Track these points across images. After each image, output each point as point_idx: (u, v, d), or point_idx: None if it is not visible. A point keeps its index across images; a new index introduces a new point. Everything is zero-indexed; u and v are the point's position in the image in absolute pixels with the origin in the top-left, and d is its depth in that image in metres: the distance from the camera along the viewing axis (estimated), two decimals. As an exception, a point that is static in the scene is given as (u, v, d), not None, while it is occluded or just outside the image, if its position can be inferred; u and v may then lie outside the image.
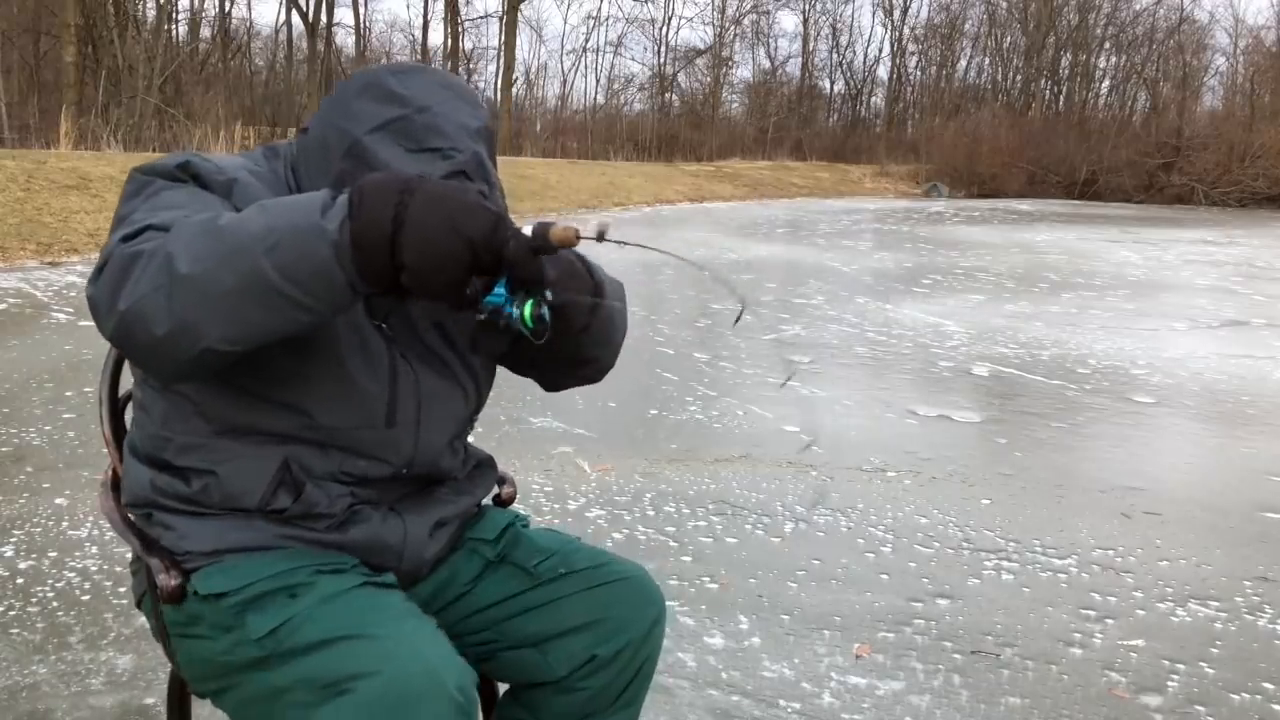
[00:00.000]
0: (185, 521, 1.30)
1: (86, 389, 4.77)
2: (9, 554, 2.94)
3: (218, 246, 1.03)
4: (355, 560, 1.32)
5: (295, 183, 1.31)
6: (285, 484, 1.27)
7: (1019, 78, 43.33)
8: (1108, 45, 41.35)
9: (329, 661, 1.14)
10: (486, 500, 1.62)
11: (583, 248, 1.15)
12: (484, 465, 1.52)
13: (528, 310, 1.08)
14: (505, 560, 1.44)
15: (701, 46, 43.46)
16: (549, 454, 4.11)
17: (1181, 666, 2.54)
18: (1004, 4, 43.40)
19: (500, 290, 1.09)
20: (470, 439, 1.52)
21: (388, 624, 1.17)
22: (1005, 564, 3.16)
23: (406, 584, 1.40)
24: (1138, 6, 40.53)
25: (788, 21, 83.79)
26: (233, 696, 1.26)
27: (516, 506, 1.62)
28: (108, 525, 2.45)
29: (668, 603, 1.49)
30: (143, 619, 1.45)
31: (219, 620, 1.24)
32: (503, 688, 1.53)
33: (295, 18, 30.19)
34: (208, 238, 1.04)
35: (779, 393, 5.38)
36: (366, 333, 1.29)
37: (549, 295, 1.09)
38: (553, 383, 1.49)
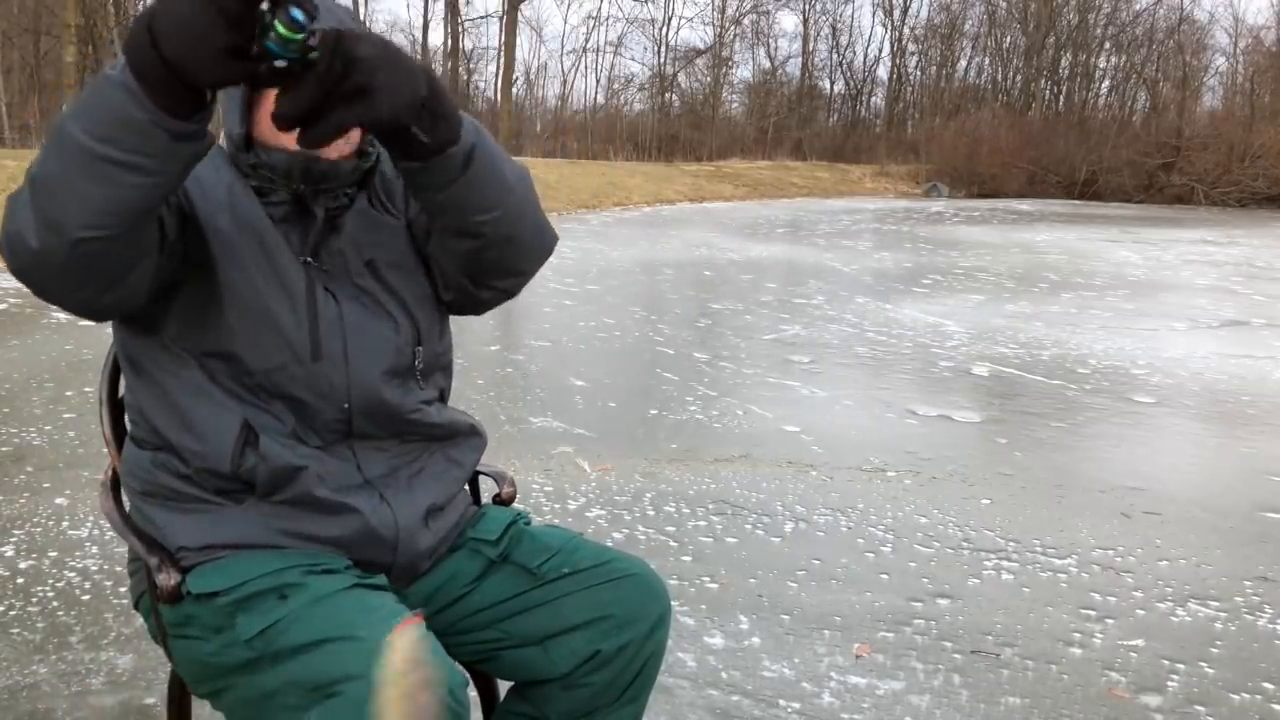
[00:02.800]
0: (177, 518, 1.32)
1: (86, 389, 4.77)
2: (9, 554, 2.94)
3: (50, 143, 1.05)
4: (348, 561, 1.32)
5: (240, 131, 1.33)
6: (250, 444, 1.29)
7: (1019, 78, 43.36)
8: (1108, 45, 41.40)
9: (317, 664, 1.15)
10: (486, 500, 1.62)
11: None
12: (466, 432, 1.49)
13: (279, 26, 0.93)
14: (508, 560, 1.44)
15: (701, 46, 43.54)
16: (549, 454, 4.11)
17: (1181, 666, 2.54)
18: (1004, 4, 43.44)
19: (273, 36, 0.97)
20: (467, 411, 1.52)
21: (376, 626, 1.16)
22: (1005, 564, 3.16)
23: (405, 580, 1.40)
24: (1138, 6, 40.61)
25: (788, 21, 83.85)
26: (228, 698, 1.27)
27: (516, 506, 1.61)
28: (108, 525, 2.46)
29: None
30: (143, 620, 1.45)
31: (211, 621, 1.25)
32: (504, 686, 1.53)
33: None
34: (47, 141, 1.06)
35: (779, 392, 5.38)
36: (284, 269, 1.31)
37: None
38: (470, 294, 1.42)
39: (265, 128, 1.31)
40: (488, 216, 1.27)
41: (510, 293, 1.44)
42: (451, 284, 1.42)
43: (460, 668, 1.20)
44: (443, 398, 1.49)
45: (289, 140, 1.29)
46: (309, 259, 1.34)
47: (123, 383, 1.45)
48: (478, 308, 1.47)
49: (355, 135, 1.34)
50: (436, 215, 1.28)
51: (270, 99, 1.26)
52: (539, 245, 1.39)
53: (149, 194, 1.05)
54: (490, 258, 1.34)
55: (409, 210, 1.44)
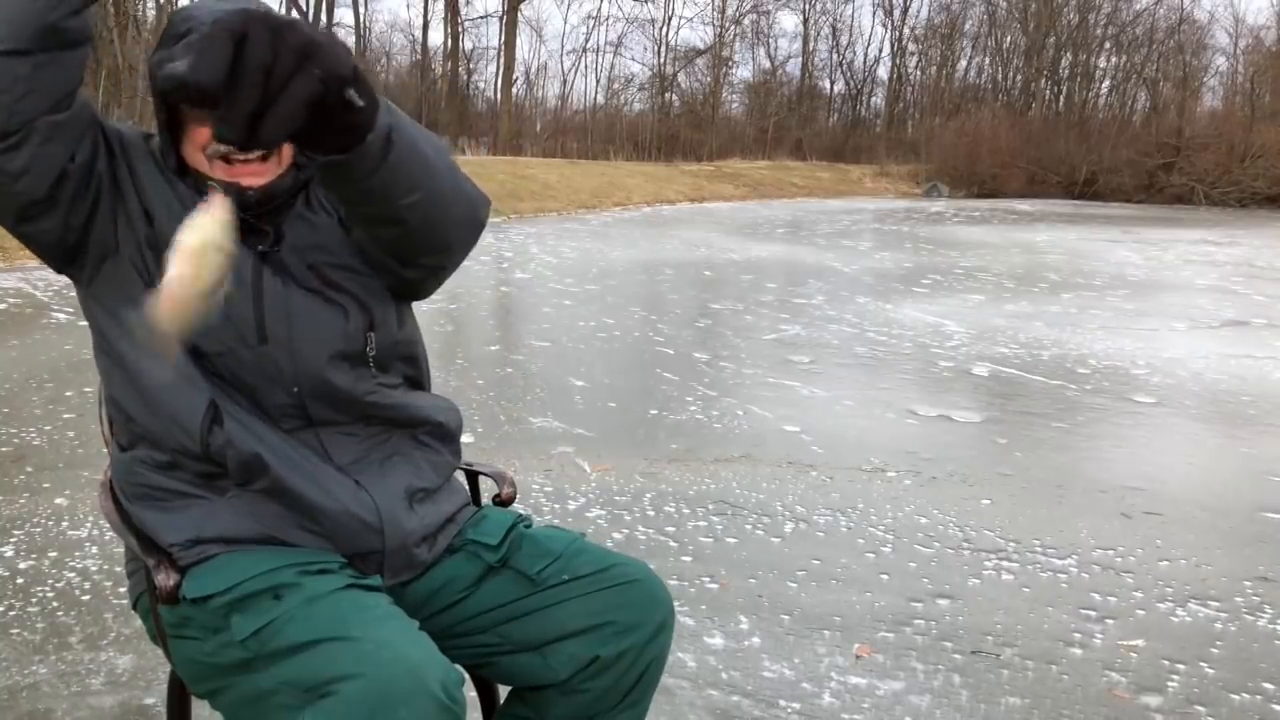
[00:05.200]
0: (163, 516, 1.33)
1: (86, 389, 4.77)
2: (9, 554, 2.94)
3: None
4: (343, 559, 1.32)
5: (171, 164, 1.34)
6: (217, 421, 1.30)
7: (1019, 78, 43.35)
8: (1108, 45, 41.37)
9: (312, 663, 1.15)
10: (486, 500, 1.61)
11: None
12: (436, 414, 1.46)
13: None
14: (507, 565, 1.43)
15: (701, 46, 43.50)
16: (549, 454, 4.11)
17: (1182, 667, 2.54)
18: (1004, 4, 43.42)
19: None
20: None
21: (370, 626, 1.17)
22: (1005, 564, 3.16)
23: (402, 571, 1.39)
24: (1138, 6, 40.57)
25: (788, 21, 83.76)
26: (225, 698, 1.28)
27: (517, 506, 1.61)
28: (107, 525, 2.46)
29: (668, 603, 1.47)
30: (141, 619, 1.45)
31: (207, 622, 1.26)
32: (503, 690, 1.53)
33: (294, 18, 30.17)
34: None
35: (779, 392, 5.38)
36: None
37: None
38: (398, 275, 1.37)
39: (194, 159, 1.32)
40: (411, 199, 1.20)
41: (440, 270, 1.37)
42: (379, 266, 1.37)
43: (460, 668, 1.19)
44: (412, 384, 1.47)
45: (220, 173, 1.31)
46: (261, 248, 1.34)
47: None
48: (414, 290, 1.41)
49: (288, 153, 1.34)
50: (357, 207, 1.24)
51: (197, 135, 1.30)
52: (467, 218, 1.32)
53: (47, 8, 1.12)
54: (415, 240, 1.29)
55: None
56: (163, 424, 1.31)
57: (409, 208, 1.21)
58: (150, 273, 1.30)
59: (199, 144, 1.30)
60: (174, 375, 1.30)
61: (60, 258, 1.33)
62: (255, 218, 1.33)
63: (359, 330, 1.37)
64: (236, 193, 1.30)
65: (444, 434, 1.48)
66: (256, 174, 1.31)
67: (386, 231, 1.28)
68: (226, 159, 1.29)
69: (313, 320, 1.34)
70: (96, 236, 1.30)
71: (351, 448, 1.37)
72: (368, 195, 1.17)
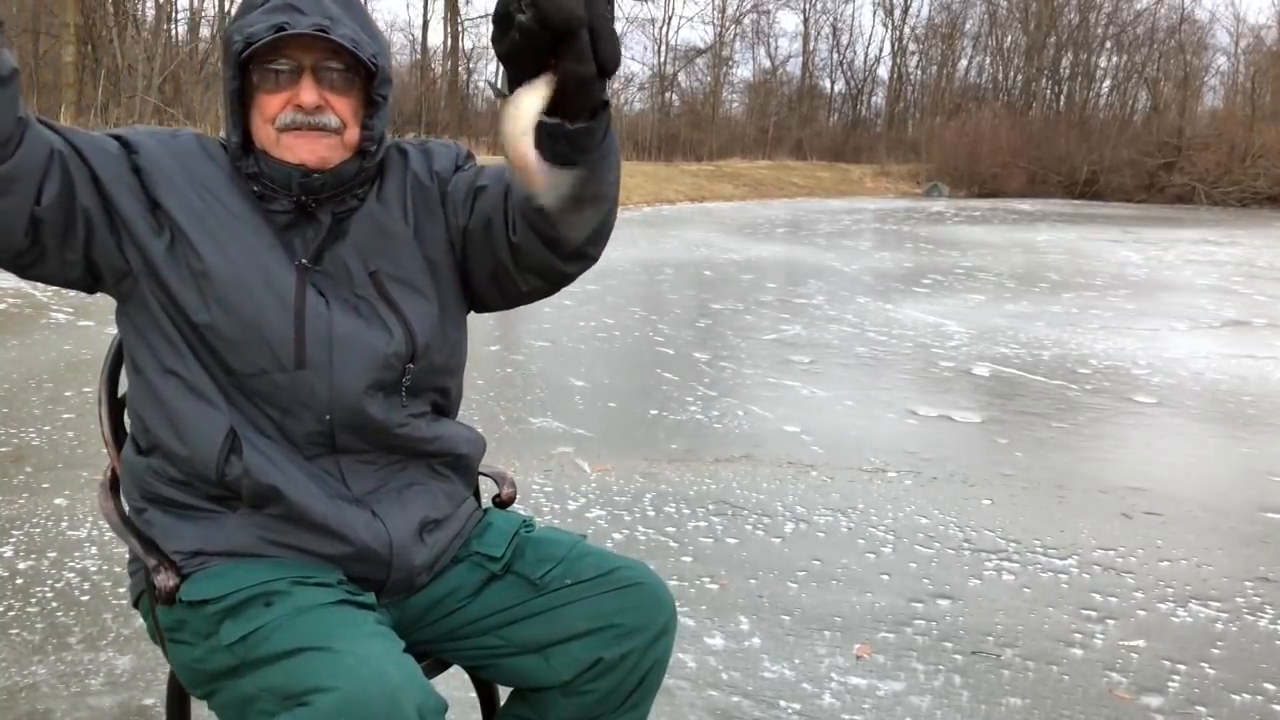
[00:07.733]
0: (172, 523, 1.32)
1: (86, 389, 4.77)
2: (9, 554, 2.94)
3: None
4: (341, 575, 1.31)
5: (235, 139, 1.33)
6: (235, 450, 1.29)
7: (1019, 77, 43.36)
8: (1109, 45, 41.39)
9: (292, 671, 1.14)
10: (487, 503, 1.60)
11: None
12: (459, 444, 1.45)
13: None
14: (510, 570, 1.42)
15: (701, 46, 43.48)
16: (549, 454, 4.11)
17: (1182, 667, 2.53)
18: (1005, 4, 43.41)
19: None
20: (466, 412, 1.50)
21: (355, 641, 1.16)
22: (1006, 564, 3.15)
23: (400, 594, 1.39)
24: (1139, 6, 40.59)
25: (788, 21, 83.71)
26: (216, 701, 1.28)
27: (516, 506, 1.60)
28: (107, 526, 2.45)
29: (668, 604, 1.47)
30: (142, 620, 1.45)
31: (200, 627, 1.26)
32: (504, 692, 1.53)
33: None
34: None
35: (779, 393, 5.38)
36: (274, 274, 1.30)
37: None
38: (554, 272, 1.34)
39: (262, 135, 1.31)
40: (615, 175, 1.24)
41: (595, 259, 1.35)
42: (534, 267, 1.33)
43: (441, 695, 1.17)
44: (438, 411, 1.45)
45: (285, 151, 1.30)
46: (305, 261, 1.32)
47: (124, 382, 1.46)
48: (557, 284, 1.37)
49: (352, 136, 1.32)
50: (581, 186, 1.19)
51: (265, 105, 1.28)
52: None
53: None
54: (605, 221, 1.29)
55: (459, 218, 1.38)
56: (179, 448, 1.30)
57: (614, 183, 1.24)
58: (165, 285, 1.28)
59: (268, 116, 1.29)
60: (195, 399, 1.29)
61: (81, 287, 1.33)
62: (317, 202, 1.32)
63: (399, 359, 1.34)
64: (302, 177, 1.29)
65: (461, 465, 1.46)
66: (325, 146, 1.29)
67: (591, 213, 1.25)
68: (294, 129, 1.29)
69: (354, 345, 1.31)
70: (104, 263, 1.29)
71: (369, 477, 1.36)
72: (594, 166, 1.17)
